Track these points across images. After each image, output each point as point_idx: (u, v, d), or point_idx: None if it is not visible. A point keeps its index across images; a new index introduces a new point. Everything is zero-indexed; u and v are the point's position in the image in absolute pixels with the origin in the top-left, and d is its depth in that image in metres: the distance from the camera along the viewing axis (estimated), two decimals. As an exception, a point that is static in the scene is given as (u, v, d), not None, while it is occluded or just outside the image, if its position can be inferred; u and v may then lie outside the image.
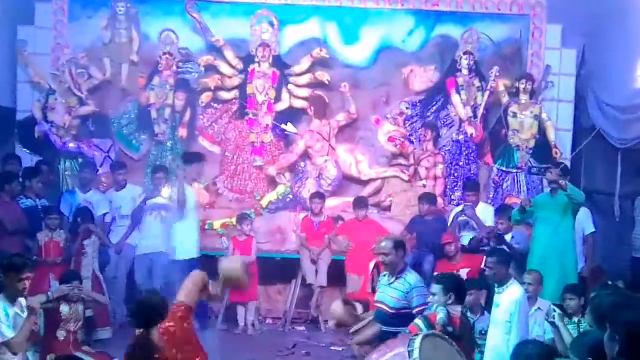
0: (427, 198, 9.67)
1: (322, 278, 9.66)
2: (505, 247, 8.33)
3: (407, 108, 10.83)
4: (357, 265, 9.53)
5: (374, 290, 9.03)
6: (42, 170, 9.54)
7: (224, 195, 10.64)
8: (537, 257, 8.21)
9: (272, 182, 10.64)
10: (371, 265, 9.34)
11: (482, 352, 6.57)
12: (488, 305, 6.97)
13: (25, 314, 6.11)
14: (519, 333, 6.17)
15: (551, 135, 10.41)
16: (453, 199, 10.45)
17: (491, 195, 10.50)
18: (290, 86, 10.84)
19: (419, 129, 10.78)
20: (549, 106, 10.64)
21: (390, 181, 10.58)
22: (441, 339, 4.84)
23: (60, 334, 7.48)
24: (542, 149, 10.39)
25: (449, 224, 9.55)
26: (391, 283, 6.86)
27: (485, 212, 9.46)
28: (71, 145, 10.45)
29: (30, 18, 10.67)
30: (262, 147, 10.73)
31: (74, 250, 8.76)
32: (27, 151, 10.53)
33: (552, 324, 6.12)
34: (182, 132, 10.67)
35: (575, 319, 6.65)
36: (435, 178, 10.47)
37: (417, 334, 4.72)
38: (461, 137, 10.71)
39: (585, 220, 8.89)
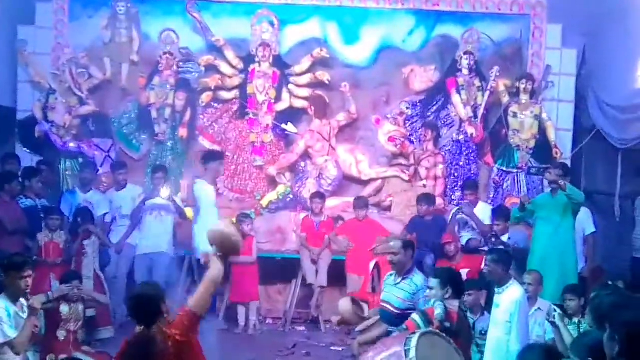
0: (426, 199, 9.66)
1: (322, 278, 9.66)
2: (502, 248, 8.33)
3: (407, 108, 10.83)
4: (358, 265, 9.53)
5: (374, 291, 9.07)
6: (41, 170, 9.55)
7: (224, 195, 10.62)
8: (537, 257, 8.22)
9: (273, 182, 10.65)
10: (371, 265, 9.36)
11: (482, 353, 6.56)
12: (488, 305, 6.97)
13: (25, 314, 6.12)
14: (519, 333, 6.17)
15: (551, 135, 10.41)
16: (453, 199, 10.45)
17: (492, 196, 10.50)
18: (290, 86, 10.85)
19: (419, 129, 10.79)
20: (549, 106, 10.64)
21: (390, 181, 10.58)
22: (439, 337, 4.83)
23: (61, 334, 7.48)
24: (543, 149, 10.39)
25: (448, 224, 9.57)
26: (397, 283, 6.85)
27: (484, 212, 9.46)
28: (72, 145, 10.45)
29: (30, 18, 10.68)
30: (263, 147, 10.73)
31: (74, 251, 8.76)
32: (28, 151, 10.54)
33: (553, 324, 6.13)
34: (183, 132, 10.67)
35: (576, 320, 6.65)
36: (436, 178, 10.47)
37: (414, 333, 4.72)
38: (462, 137, 10.71)
39: (586, 221, 8.89)
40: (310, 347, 9.02)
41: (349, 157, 10.65)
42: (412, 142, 10.77)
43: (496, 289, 6.45)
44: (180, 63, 10.83)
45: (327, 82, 10.68)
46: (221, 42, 10.77)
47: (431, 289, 6.09)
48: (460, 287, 6.22)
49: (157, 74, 10.70)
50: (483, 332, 6.73)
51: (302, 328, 9.82)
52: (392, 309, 6.79)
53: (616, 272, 8.72)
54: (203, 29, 10.82)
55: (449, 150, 10.75)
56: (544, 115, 10.46)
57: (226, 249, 4.98)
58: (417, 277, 6.83)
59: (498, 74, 10.52)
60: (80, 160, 10.43)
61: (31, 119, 10.52)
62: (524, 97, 10.44)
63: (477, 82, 10.68)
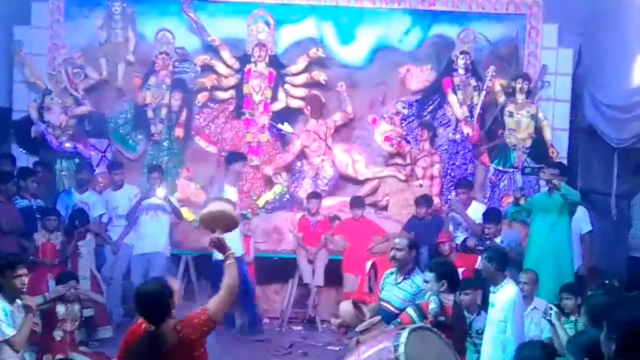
0: (424, 200, 9.65)
1: (319, 278, 9.66)
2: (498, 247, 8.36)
3: (403, 108, 10.84)
4: (354, 264, 9.54)
5: (371, 290, 9.07)
6: (37, 171, 9.54)
7: (220, 195, 10.61)
8: (533, 256, 8.24)
9: (269, 182, 10.64)
10: (368, 264, 9.36)
11: (479, 352, 6.56)
12: (485, 304, 6.97)
13: (23, 313, 6.12)
14: (514, 332, 6.17)
15: (547, 134, 10.43)
16: (450, 199, 10.45)
17: (488, 195, 10.51)
18: (286, 86, 10.84)
19: (415, 128, 10.80)
20: (545, 106, 10.65)
21: (387, 181, 10.57)
22: (430, 331, 4.81)
23: (57, 334, 7.46)
24: (539, 148, 10.39)
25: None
26: (398, 283, 6.83)
27: (478, 212, 9.48)
28: (67, 145, 10.42)
29: (26, 18, 10.66)
30: (259, 147, 10.72)
31: (69, 252, 8.75)
32: (24, 151, 10.52)
33: (549, 322, 6.14)
34: (179, 132, 10.66)
35: (573, 318, 6.65)
36: (432, 178, 10.48)
37: (404, 328, 4.71)
38: (458, 136, 10.71)
39: (582, 220, 8.90)
40: (307, 346, 9.04)
41: (346, 156, 10.63)
42: (408, 142, 10.76)
43: (491, 288, 6.46)
44: (176, 63, 10.81)
45: (323, 82, 10.68)
46: (217, 42, 10.76)
47: (426, 282, 6.08)
48: (455, 281, 6.21)
49: (153, 74, 10.69)
50: (480, 332, 6.73)
51: (299, 328, 9.84)
52: (392, 308, 6.78)
53: (612, 271, 8.75)
54: (199, 28, 10.81)
55: (445, 149, 10.76)
56: (540, 115, 10.47)
57: (227, 224, 4.97)
58: (418, 278, 6.81)
59: (494, 74, 10.52)
60: (77, 160, 10.40)
61: (27, 119, 10.51)
62: (520, 97, 10.45)
63: (473, 82, 10.69)
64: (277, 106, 10.82)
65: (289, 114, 10.85)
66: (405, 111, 10.86)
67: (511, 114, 10.46)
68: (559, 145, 10.45)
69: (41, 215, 8.96)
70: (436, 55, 10.98)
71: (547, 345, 5.78)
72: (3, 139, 10.59)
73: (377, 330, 6.59)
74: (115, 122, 10.83)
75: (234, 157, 9.63)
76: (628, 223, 8.95)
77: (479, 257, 8.21)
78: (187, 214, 9.97)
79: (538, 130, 10.44)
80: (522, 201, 8.65)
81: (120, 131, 10.85)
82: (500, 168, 10.53)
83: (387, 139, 10.48)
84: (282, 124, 10.65)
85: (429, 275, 6.06)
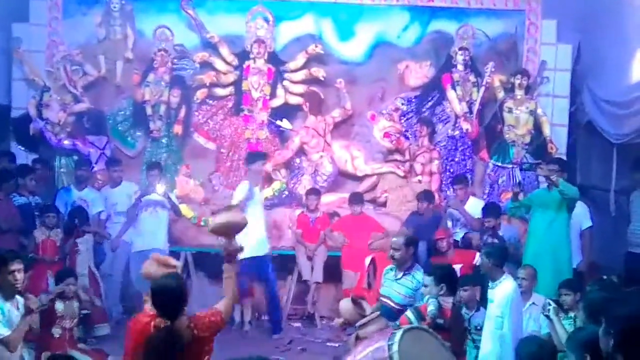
0: (426, 196, 9.64)
1: (318, 274, 9.66)
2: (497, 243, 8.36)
3: (402, 104, 10.84)
4: (353, 261, 9.53)
5: (370, 286, 9.07)
6: (35, 168, 9.53)
7: (219, 192, 10.61)
8: (531, 252, 8.25)
9: (268, 179, 10.62)
10: (367, 261, 9.36)
11: (478, 348, 6.57)
12: (483, 300, 6.97)
13: (19, 311, 6.11)
14: (511, 328, 6.18)
15: (546, 130, 10.42)
16: (449, 195, 10.45)
17: (487, 191, 10.51)
18: (285, 82, 10.84)
19: (414, 124, 10.80)
20: (544, 102, 10.65)
21: (386, 177, 10.57)
22: (425, 332, 4.82)
23: (56, 332, 7.46)
24: (538, 144, 10.39)
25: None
26: (398, 279, 6.84)
27: (476, 207, 9.48)
28: (66, 142, 10.43)
29: (25, 15, 10.65)
30: (258, 144, 10.72)
31: (67, 249, 8.74)
32: (23, 149, 10.51)
33: (548, 317, 6.15)
34: (178, 129, 10.65)
35: (572, 314, 6.65)
36: (431, 174, 10.48)
37: (400, 327, 4.72)
38: (457, 132, 10.71)
39: (582, 216, 8.90)
40: (306, 343, 9.05)
41: (344, 153, 10.63)
42: (407, 138, 10.77)
43: (490, 284, 6.47)
44: (175, 60, 10.81)
45: (322, 79, 10.67)
46: (216, 38, 10.75)
47: (425, 286, 6.09)
48: (454, 284, 6.23)
49: (151, 70, 10.69)
50: (479, 328, 6.73)
51: (298, 324, 9.84)
52: (392, 304, 6.79)
53: (611, 266, 8.74)
54: (197, 25, 10.80)
55: (444, 146, 10.76)
56: (539, 111, 10.47)
57: (233, 231, 5.05)
58: (418, 273, 6.82)
59: (493, 70, 10.51)
60: (75, 157, 10.40)
61: (26, 117, 10.50)
62: (519, 93, 10.45)
63: (472, 78, 10.69)
64: (276, 103, 10.82)
65: (287, 111, 10.84)
66: (404, 107, 10.85)
67: (510, 110, 10.45)
68: (558, 141, 10.44)
69: (40, 212, 8.96)
70: (435, 51, 10.97)
71: (546, 341, 5.80)
72: (2, 136, 10.59)
73: (376, 325, 6.61)
74: (114, 119, 10.84)
75: (254, 157, 9.61)
76: (627, 219, 8.94)
77: (477, 254, 8.23)
78: (185, 210, 9.98)
79: (537, 126, 10.44)
80: (521, 197, 8.66)
81: (119, 128, 10.86)
82: (499, 164, 10.53)
83: (386, 135, 10.48)
84: (281, 121, 10.65)
85: (428, 279, 6.08)
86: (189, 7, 10.74)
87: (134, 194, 9.67)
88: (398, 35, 10.98)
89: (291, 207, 10.39)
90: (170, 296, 4.58)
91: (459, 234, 9.46)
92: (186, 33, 10.93)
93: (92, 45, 10.84)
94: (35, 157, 10.27)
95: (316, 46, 10.69)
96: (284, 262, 10.02)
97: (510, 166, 10.43)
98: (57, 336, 7.45)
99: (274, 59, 10.85)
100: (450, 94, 10.66)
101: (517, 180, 9.92)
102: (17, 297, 6.19)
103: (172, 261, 5.43)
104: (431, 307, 5.76)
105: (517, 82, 10.40)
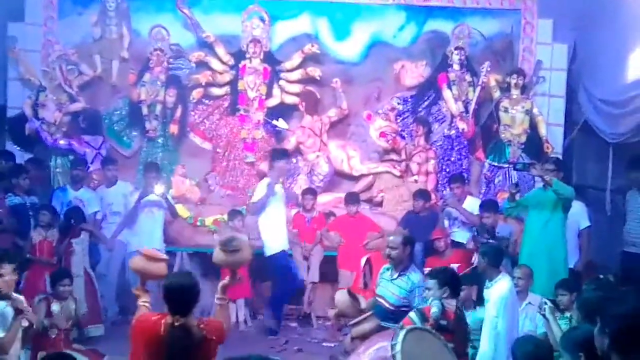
0: (422, 194, 9.66)
1: (314, 274, 9.66)
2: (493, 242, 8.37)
3: (398, 103, 10.84)
4: (349, 261, 9.53)
5: (366, 286, 9.06)
6: (28, 168, 9.51)
7: (215, 192, 10.62)
8: (527, 251, 8.26)
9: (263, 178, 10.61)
10: (363, 261, 9.35)
11: (475, 347, 6.58)
12: (480, 300, 6.99)
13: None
14: (506, 327, 6.19)
15: (542, 130, 10.43)
16: (446, 194, 10.44)
17: (483, 191, 10.51)
18: (281, 82, 10.84)
19: (410, 124, 10.81)
20: (540, 101, 10.64)
21: (382, 177, 10.57)
22: (428, 332, 4.82)
23: (52, 332, 7.43)
24: (534, 144, 10.39)
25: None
26: (394, 279, 6.83)
27: (473, 206, 9.49)
28: (62, 142, 10.41)
29: (20, 14, 10.64)
30: (254, 144, 10.72)
31: (62, 250, 8.71)
32: (18, 148, 10.49)
33: (544, 316, 6.16)
34: (174, 128, 10.65)
35: (568, 314, 6.66)
36: (427, 173, 10.48)
37: (402, 327, 4.72)
38: (453, 132, 10.71)
39: (580, 215, 8.92)
40: (302, 343, 9.03)
41: (340, 152, 10.63)
42: (403, 138, 10.77)
43: (486, 284, 6.47)
44: (171, 59, 10.81)
45: (318, 78, 10.67)
46: (212, 38, 10.75)
47: (429, 289, 6.09)
48: (457, 287, 6.23)
49: (147, 70, 10.68)
50: (474, 327, 6.74)
51: (294, 324, 9.82)
52: (387, 304, 6.78)
53: (607, 266, 8.75)
54: (193, 25, 10.80)
55: (441, 145, 10.76)
56: (535, 110, 10.47)
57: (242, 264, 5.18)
58: (414, 275, 6.81)
59: (489, 69, 10.51)
60: (71, 157, 10.38)
61: (21, 116, 10.48)
62: (515, 92, 10.45)
63: (468, 77, 10.69)
64: (272, 102, 10.82)
65: (283, 110, 10.84)
66: (400, 107, 10.86)
67: (506, 110, 10.45)
68: (554, 141, 10.44)
69: (34, 211, 8.95)
70: (431, 51, 10.98)
71: (542, 341, 5.80)
72: (-2, 136, 10.59)
73: (369, 324, 6.60)
74: (109, 119, 10.83)
75: (279, 154, 9.60)
76: (622, 218, 8.94)
77: (475, 253, 8.24)
78: (181, 211, 9.96)
79: (533, 126, 10.44)
80: (517, 197, 8.67)
81: (115, 128, 10.85)
82: (495, 164, 10.53)
83: (382, 134, 10.48)
84: (277, 120, 10.64)
85: (431, 282, 6.07)
86: (184, 7, 10.73)
87: (130, 194, 9.66)
88: (394, 34, 10.99)
89: (287, 207, 10.36)
90: (183, 293, 4.67)
91: (456, 233, 9.47)
92: (182, 32, 10.93)
93: (88, 44, 10.83)
94: (29, 157, 10.24)
95: (312, 46, 10.69)
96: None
97: (507, 166, 10.41)
98: (53, 337, 7.42)
99: (270, 58, 10.85)
100: (446, 93, 10.66)
101: (514, 181, 9.92)
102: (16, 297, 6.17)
103: (161, 255, 5.48)
104: (434, 309, 5.76)
105: (513, 81, 10.41)
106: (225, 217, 9.89)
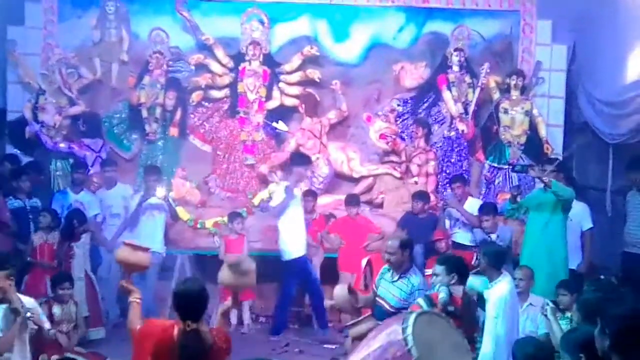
0: (421, 196, 9.66)
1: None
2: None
3: (398, 105, 10.84)
4: (350, 262, 9.52)
5: (366, 288, 9.05)
6: (28, 171, 9.51)
7: (215, 194, 10.62)
8: (527, 253, 8.26)
9: (264, 181, 10.61)
10: (364, 262, 9.35)
11: (476, 348, 6.57)
12: (480, 301, 6.98)
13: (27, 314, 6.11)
14: (506, 328, 6.19)
15: (542, 131, 10.44)
16: (447, 194, 10.44)
17: (483, 192, 10.51)
18: (281, 84, 10.84)
19: (410, 126, 10.81)
20: (540, 102, 10.65)
21: (382, 178, 10.57)
22: (437, 316, 4.87)
23: (52, 335, 7.42)
24: (534, 145, 10.40)
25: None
26: (394, 281, 6.83)
27: (473, 207, 9.49)
28: (62, 145, 10.41)
29: (20, 18, 10.64)
30: (254, 146, 10.72)
31: (63, 253, 8.71)
32: (18, 152, 10.49)
33: (546, 317, 6.18)
34: (174, 131, 10.65)
35: (569, 315, 6.66)
36: (427, 175, 10.48)
37: (412, 312, 4.76)
38: (453, 133, 10.71)
39: (583, 216, 8.93)
40: (303, 345, 9.03)
41: (340, 154, 10.63)
42: (403, 139, 10.76)
43: (487, 284, 6.47)
44: (170, 62, 10.80)
45: (317, 80, 10.67)
46: (211, 40, 10.75)
47: (437, 275, 6.13)
48: (465, 274, 6.26)
49: (147, 73, 10.68)
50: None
51: (295, 326, 9.82)
52: (387, 306, 6.77)
53: (607, 266, 8.76)
54: (193, 27, 10.80)
55: (440, 147, 10.76)
56: (535, 111, 10.48)
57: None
58: (415, 278, 6.81)
59: (488, 71, 10.52)
60: (71, 160, 10.37)
61: (21, 120, 10.49)
62: (515, 93, 10.45)
63: (467, 79, 10.69)
64: (272, 104, 10.82)
65: (283, 112, 10.83)
66: (400, 108, 10.86)
67: (506, 111, 10.46)
68: (554, 142, 10.45)
69: (34, 214, 8.96)
70: (430, 52, 10.97)
71: (542, 342, 5.80)
72: (-3, 139, 10.59)
73: (366, 324, 6.60)
74: (109, 122, 10.83)
75: (299, 159, 9.61)
76: (623, 219, 8.94)
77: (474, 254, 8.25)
78: (182, 213, 9.96)
79: (533, 127, 10.44)
80: (519, 198, 8.67)
81: (115, 131, 10.84)
82: (496, 165, 10.53)
83: (382, 136, 10.48)
84: (277, 123, 10.63)
85: (439, 269, 6.12)
86: (184, 10, 10.73)
87: (131, 197, 9.67)
88: (393, 36, 10.99)
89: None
90: (193, 299, 4.73)
91: (457, 234, 9.47)
92: (181, 35, 10.93)
93: (88, 48, 10.83)
94: (29, 160, 10.24)
95: (311, 48, 10.70)
96: (280, 264, 9.99)
97: (507, 167, 10.42)
98: (54, 339, 7.42)
99: (270, 60, 10.85)
100: (446, 95, 10.67)
101: (514, 182, 9.93)
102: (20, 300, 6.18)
103: (145, 246, 5.57)
104: (442, 295, 5.81)
105: (513, 82, 10.41)
106: (226, 219, 9.89)
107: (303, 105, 10.68)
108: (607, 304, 3.86)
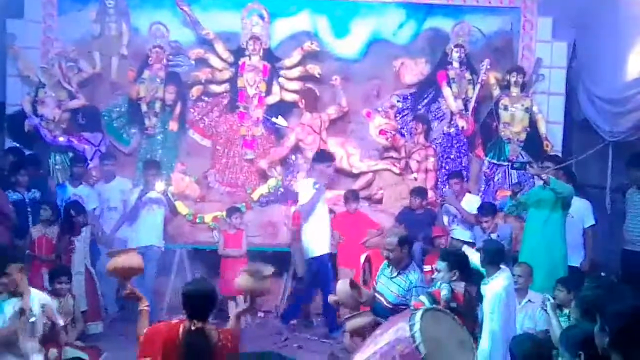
0: (419, 192, 9.67)
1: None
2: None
3: (398, 101, 10.84)
4: (349, 258, 9.49)
5: (365, 283, 9.05)
6: (26, 165, 9.50)
7: (215, 189, 10.61)
8: (526, 249, 8.26)
9: (264, 176, 10.62)
10: (362, 258, 9.34)
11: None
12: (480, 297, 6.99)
13: (37, 312, 6.12)
14: (501, 324, 6.19)
15: (542, 128, 10.44)
16: (445, 191, 10.44)
17: (482, 188, 10.52)
18: (281, 79, 10.83)
19: (410, 122, 10.81)
20: (540, 99, 10.66)
21: (381, 174, 10.56)
22: (442, 312, 4.88)
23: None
24: (533, 142, 10.40)
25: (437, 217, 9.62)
26: (393, 277, 6.84)
27: (471, 203, 9.50)
28: (61, 139, 10.40)
29: (19, 11, 10.62)
30: (253, 141, 10.71)
31: (62, 247, 8.70)
32: (17, 145, 10.48)
33: (546, 311, 6.20)
34: (173, 125, 10.63)
35: (566, 311, 6.66)
36: (427, 171, 10.48)
37: (417, 309, 4.76)
38: (452, 130, 10.71)
39: (585, 213, 8.94)
40: (302, 340, 9.03)
41: (340, 150, 10.61)
42: (403, 135, 10.76)
43: (484, 280, 6.48)
44: (170, 56, 10.79)
45: (317, 76, 10.65)
46: (211, 35, 10.74)
47: (438, 271, 6.14)
48: (466, 270, 6.27)
49: (146, 67, 10.67)
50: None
51: (293, 321, 9.81)
52: (385, 302, 6.78)
53: (606, 264, 8.76)
54: (193, 22, 10.78)
55: (440, 143, 10.76)
56: (535, 108, 10.49)
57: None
58: (413, 274, 6.81)
59: (489, 67, 10.51)
60: (70, 154, 10.37)
61: (20, 113, 10.47)
62: (515, 90, 10.46)
63: (467, 75, 10.68)
64: (272, 100, 10.80)
65: (283, 108, 10.83)
66: (400, 104, 10.86)
67: (506, 107, 10.46)
68: (554, 139, 10.45)
69: (33, 207, 8.96)
70: (431, 48, 10.97)
71: (540, 339, 5.81)
72: (-4, 133, 10.58)
73: (363, 318, 6.61)
74: (109, 116, 10.81)
75: (322, 157, 9.57)
76: (622, 216, 8.95)
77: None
78: (181, 207, 9.95)
79: (533, 124, 10.45)
80: (520, 195, 8.66)
81: (114, 125, 10.83)
82: (495, 161, 10.53)
83: (381, 132, 10.47)
84: (277, 118, 10.63)
85: (441, 265, 6.14)
86: (184, 4, 10.71)
87: (130, 191, 9.66)
88: (394, 32, 10.98)
89: (286, 204, 10.35)
90: (202, 298, 4.83)
91: (455, 231, 9.48)
92: (181, 29, 10.91)
93: (87, 41, 10.81)
94: (29, 153, 10.23)
95: (312, 43, 10.68)
96: (279, 260, 9.97)
97: (506, 164, 10.43)
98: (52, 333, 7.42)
99: (270, 55, 10.84)
100: (446, 91, 10.66)
101: (514, 179, 9.94)
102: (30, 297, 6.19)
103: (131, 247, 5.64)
104: (444, 292, 5.83)
105: (513, 79, 10.42)
106: (225, 214, 9.88)
107: (303, 101, 10.66)
108: (606, 301, 3.85)
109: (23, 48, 10.56)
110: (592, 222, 8.97)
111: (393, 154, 10.66)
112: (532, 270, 7.32)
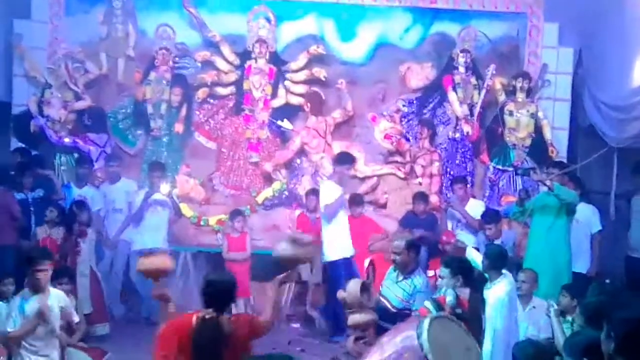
0: (422, 197, 9.68)
1: (317, 275, 9.64)
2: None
3: (403, 105, 10.83)
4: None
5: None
6: (31, 166, 9.52)
7: (219, 192, 10.62)
8: (531, 255, 8.25)
9: (268, 179, 10.63)
10: (366, 262, 9.34)
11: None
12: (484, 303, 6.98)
13: (56, 310, 6.15)
14: (503, 329, 6.18)
15: (547, 134, 10.43)
16: (449, 196, 10.44)
17: (487, 194, 10.50)
18: (286, 83, 10.83)
19: (415, 126, 10.80)
20: (545, 105, 10.65)
21: (386, 179, 10.57)
22: (449, 320, 4.88)
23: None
24: (539, 147, 10.39)
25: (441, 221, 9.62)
26: (399, 281, 6.85)
27: (475, 209, 9.50)
28: (67, 140, 10.42)
29: (26, 12, 10.64)
30: (259, 144, 10.72)
31: (68, 249, 8.70)
32: (23, 146, 10.49)
33: (550, 317, 6.20)
34: (179, 127, 10.65)
35: (570, 318, 6.65)
36: (432, 176, 10.48)
37: (425, 317, 4.76)
38: (457, 135, 10.70)
39: (592, 219, 8.93)
40: (305, 343, 9.02)
41: (345, 154, 10.62)
42: (408, 140, 10.75)
43: (486, 285, 6.48)
44: (177, 58, 10.80)
45: (323, 79, 10.65)
46: (217, 37, 10.75)
47: (442, 277, 6.15)
48: (470, 276, 6.27)
49: (153, 69, 10.68)
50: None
51: (297, 325, 9.82)
52: (389, 306, 6.79)
53: (611, 271, 8.75)
54: (199, 24, 10.80)
55: (445, 148, 10.75)
56: (540, 114, 10.48)
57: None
58: (418, 279, 6.82)
59: (494, 72, 10.51)
60: (76, 155, 10.39)
61: (26, 114, 10.49)
62: (520, 96, 10.45)
63: (473, 80, 10.68)
64: (277, 103, 10.81)
65: (288, 111, 10.83)
66: (405, 109, 10.85)
67: (511, 113, 10.46)
68: (559, 145, 10.45)
69: (35, 206, 8.98)
70: (437, 53, 10.95)
71: (543, 345, 5.81)
72: (2, 133, 10.57)
73: (364, 314, 6.61)
74: (114, 117, 10.82)
75: (342, 159, 9.51)
76: (627, 223, 8.94)
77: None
78: (186, 210, 9.97)
79: (538, 130, 10.44)
80: (526, 202, 8.64)
81: (120, 126, 10.84)
82: (500, 167, 10.52)
83: (386, 136, 10.47)
84: (282, 121, 10.64)
85: (445, 271, 6.15)
86: (190, 6, 10.73)
87: (135, 193, 9.68)
88: (400, 36, 10.96)
89: (291, 207, 10.37)
90: (222, 289, 4.96)
91: (460, 235, 9.47)
92: (188, 32, 10.91)
93: (94, 42, 10.82)
94: (34, 154, 10.24)
95: (318, 47, 10.68)
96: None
97: (511, 169, 10.42)
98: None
99: (276, 59, 10.85)
100: (451, 96, 10.66)
101: (519, 184, 9.94)
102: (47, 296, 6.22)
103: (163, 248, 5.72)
104: (450, 298, 5.84)
105: (519, 85, 10.41)
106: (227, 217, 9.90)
107: (308, 104, 10.66)
108: (612, 308, 3.85)
109: (30, 48, 10.58)
110: (599, 227, 8.97)
111: (398, 158, 10.66)
112: (537, 276, 7.32)
